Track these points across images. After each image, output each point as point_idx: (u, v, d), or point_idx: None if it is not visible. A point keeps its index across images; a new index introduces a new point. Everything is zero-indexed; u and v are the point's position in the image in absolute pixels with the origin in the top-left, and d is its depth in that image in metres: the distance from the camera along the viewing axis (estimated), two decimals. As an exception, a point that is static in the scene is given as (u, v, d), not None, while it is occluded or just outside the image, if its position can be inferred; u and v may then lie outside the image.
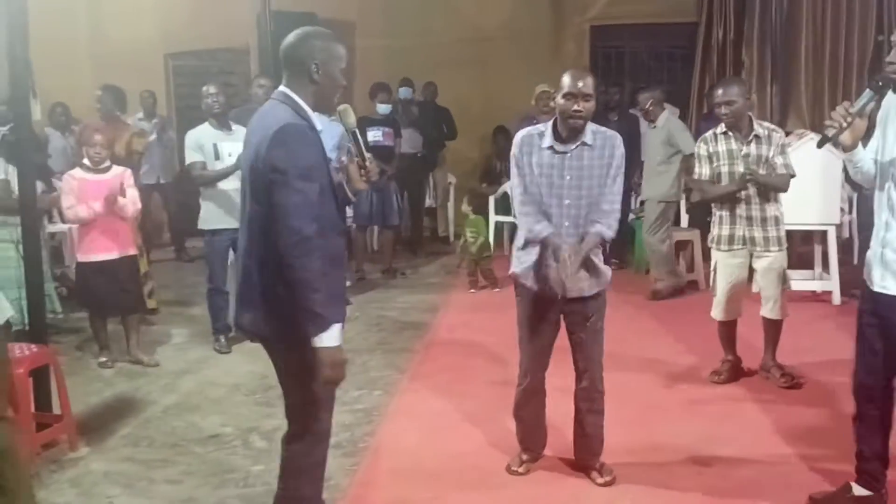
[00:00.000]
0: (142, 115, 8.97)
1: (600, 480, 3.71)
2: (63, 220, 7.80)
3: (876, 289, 3.19)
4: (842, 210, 6.76)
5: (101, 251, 5.32)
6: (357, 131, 2.93)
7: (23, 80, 4.06)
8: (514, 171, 3.60)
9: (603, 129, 3.57)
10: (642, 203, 8.50)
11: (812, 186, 6.39)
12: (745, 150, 4.75)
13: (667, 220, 7.15)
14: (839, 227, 6.63)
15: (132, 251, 5.51)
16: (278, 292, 2.72)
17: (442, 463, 3.99)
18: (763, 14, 9.39)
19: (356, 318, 6.43)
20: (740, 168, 4.76)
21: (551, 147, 3.49)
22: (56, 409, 4.21)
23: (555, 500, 3.64)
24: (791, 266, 7.17)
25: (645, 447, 4.09)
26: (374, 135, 7.70)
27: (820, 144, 3.18)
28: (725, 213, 4.84)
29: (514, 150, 3.59)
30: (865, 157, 3.21)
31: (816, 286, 6.87)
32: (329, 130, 6.79)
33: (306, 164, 2.66)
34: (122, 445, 4.24)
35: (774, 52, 9.44)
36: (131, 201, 5.35)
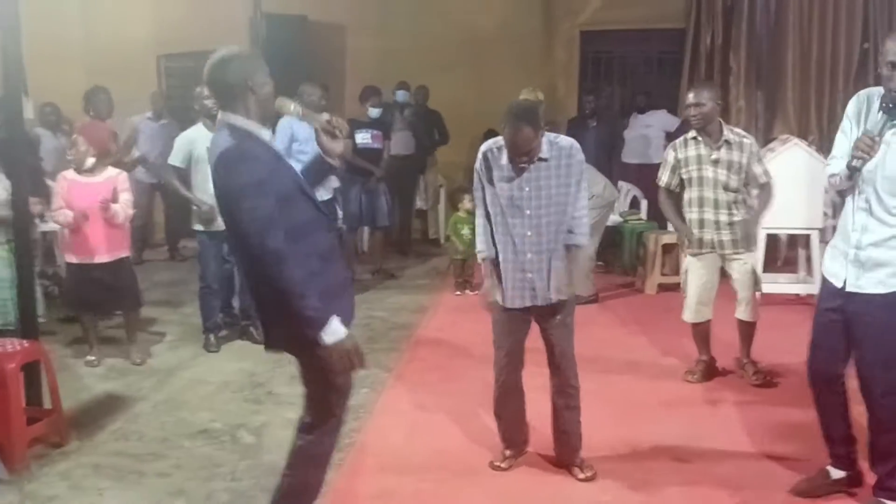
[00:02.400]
0: (151, 114, 8.99)
1: (581, 476, 3.80)
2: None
3: (850, 288, 3.30)
4: (825, 214, 6.85)
5: (90, 254, 5.30)
6: (300, 111, 2.96)
7: (16, 80, 4.12)
8: (475, 185, 3.73)
9: (560, 138, 3.65)
10: (630, 207, 8.65)
11: (795, 191, 6.49)
12: (714, 155, 4.81)
13: (598, 228, 7.15)
14: (822, 231, 6.72)
15: (124, 253, 5.50)
16: (270, 301, 2.82)
17: (426, 458, 4.07)
18: (750, 20, 9.48)
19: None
20: (709, 174, 4.82)
21: (509, 164, 3.58)
22: (47, 404, 4.27)
23: (537, 495, 3.71)
24: (776, 269, 7.36)
25: (626, 445, 4.18)
26: (362, 137, 7.76)
27: (851, 173, 3.24)
28: (694, 218, 4.93)
29: (476, 163, 3.70)
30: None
31: (800, 289, 6.97)
32: (307, 129, 6.86)
33: (250, 180, 2.66)
34: (112, 440, 4.30)
35: (762, 58, 9.54)
36: (123, 207, 5.32)
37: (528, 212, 3.59)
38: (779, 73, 9.50)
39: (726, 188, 4.81)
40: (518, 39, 9.97)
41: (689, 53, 9.74)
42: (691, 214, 4.95)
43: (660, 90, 9.83)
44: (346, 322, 2.95)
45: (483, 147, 3.69)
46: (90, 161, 5.32)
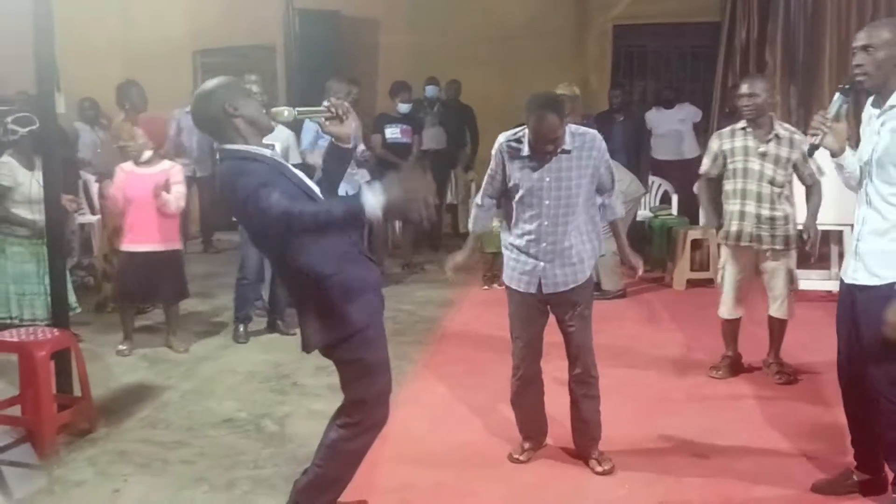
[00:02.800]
0: (189, 108, 9.11)
1: (599, 469, 3.81)
2: (92, 212, 8.07)
3: (848, 280, 3.31)
4: (857, 210, 6.75)
5: (143, 242, 5.45)
6: (296, 112, 2.96)
7: (48, 78, 4.22)
8: (490, 170, 3.76)
9: (582, 129, 3.67)
10: (660, 202, 8.60)
11: (827, 187, 6.37)
12: (762, 148, 4.74)
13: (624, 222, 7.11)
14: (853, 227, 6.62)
15: (176, 245, 5.67)
16: (305, 307, 2.92)
17: (447, 450, 4.10)
18: (787, 14, 9.34)
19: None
20: (755, 166, 4.76)
21: (529, 155, 3.61)
22: (77, 392, 4.38)
23: (554, 488, 3.73)
24: (808, 266, 7.26)
25: (646, 439, 4.18)
26: (391, 132, 7.81)
27: (810, 153, 3.40)
28: (735, 210, 4.88)
29: (494, 149, 3.73)
30: (852, 160, 3.32)
31: (831, 286, 6.87)
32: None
33: (252, 186, 2.70)
34: (139, 427, 4.40)
35: (798, 52, 9.39)
36: (175, 197, 5.47)
37: (546, 202, 3.61)
38: (816, 67, 9.35)
39: (772, 182, 4.75)
40: (550, 34, 9.94)
41: (724, 47, 9.62)
42: (733, 206, 4.90)
43: (693, 85, 9.75)
44: (375, 316, 3.03)
45: (501, 137, 3.71)
46: (147, 153, 5.52)
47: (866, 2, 9.19)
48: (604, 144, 3.68)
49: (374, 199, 2.54)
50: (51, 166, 4.34)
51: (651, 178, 8.64)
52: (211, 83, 2.88)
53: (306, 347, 3.03)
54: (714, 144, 4.98)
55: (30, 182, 5.03)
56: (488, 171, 3.79)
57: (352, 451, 3.13)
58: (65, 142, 6.46)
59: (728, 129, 4.96)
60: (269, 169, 2.81)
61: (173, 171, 5.54)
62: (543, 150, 3.54)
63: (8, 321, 5.24)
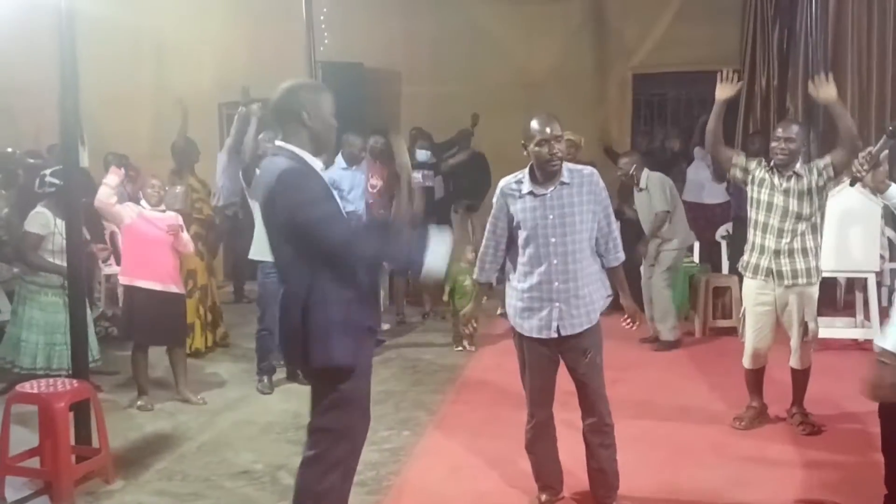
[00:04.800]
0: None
1: (617, 522, 3.75)
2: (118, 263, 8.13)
3: None
4: (881, 257, 6.68)
5: (150, 279, 5.46)
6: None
7: (72, 130, 4.32)
8: (494, 215, 3.76)
9: (578, 167, 3.70)
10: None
11: (852, 233, 6.36)
12: (785, 185, 4.72)
13: (677, 269, 7.16)
14: (879, 273, 6.55)
15: (179, 288, 5.68)
16: (306, 326, 2.94)
17: (464, 502, 4.06)
18: (806, 60, 9.36)
19: (393, 360, 6.62)
20: (779, 202, 4.72)
21: (531, 192, 3.61)
22: (95, 443, 4.39)
23: (571, 541, 3.68)
24: (834, 314, 7.18)
25: (668, 490, 4.12)
26: (415, 177, 7.85)
27: (852, 183, 3.94)
28: (757, 242, 4.84)
29: (495, 196, 3.74)
30: None
31: (858, 334, 6.78)
32: (350, 179, 6.96)
33: (316, 196, 2.90)
34: (156, 479, 4.39)
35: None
36: (189, 240, 5.63)
37: (553, 239, 3.59)
38: (837, 112, 9.32)
39: (798, 216, 4.71)
40: (570, 82, 9.98)
41: (745, 95, 9.65)
42: (754, 238, 4.87)
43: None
44: (366, 355, 3.12)
45: (502, 182, 3.73)
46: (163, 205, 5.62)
47: (886, 48, 9.20)
48: (602, 182, 3.69)
49: (435, 262, 2.91)
50: (72, 217, 4.40)
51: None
52: (303, 84, 3.11)
53: (314, 362, 3.03)
54: (752, 163, 4.90)
55: (63, 232, 5.10)
56: (490, 219, 3.78)
57: (322, 493, 3.06)
58: (87, 193, 6.54)
59: (764, 162, 4.91)
60: (325, 186, 2.98)
61: (180, 217, 5.69)
62: (543, 154, 3.52)
63: (34, 372, 5.34)
